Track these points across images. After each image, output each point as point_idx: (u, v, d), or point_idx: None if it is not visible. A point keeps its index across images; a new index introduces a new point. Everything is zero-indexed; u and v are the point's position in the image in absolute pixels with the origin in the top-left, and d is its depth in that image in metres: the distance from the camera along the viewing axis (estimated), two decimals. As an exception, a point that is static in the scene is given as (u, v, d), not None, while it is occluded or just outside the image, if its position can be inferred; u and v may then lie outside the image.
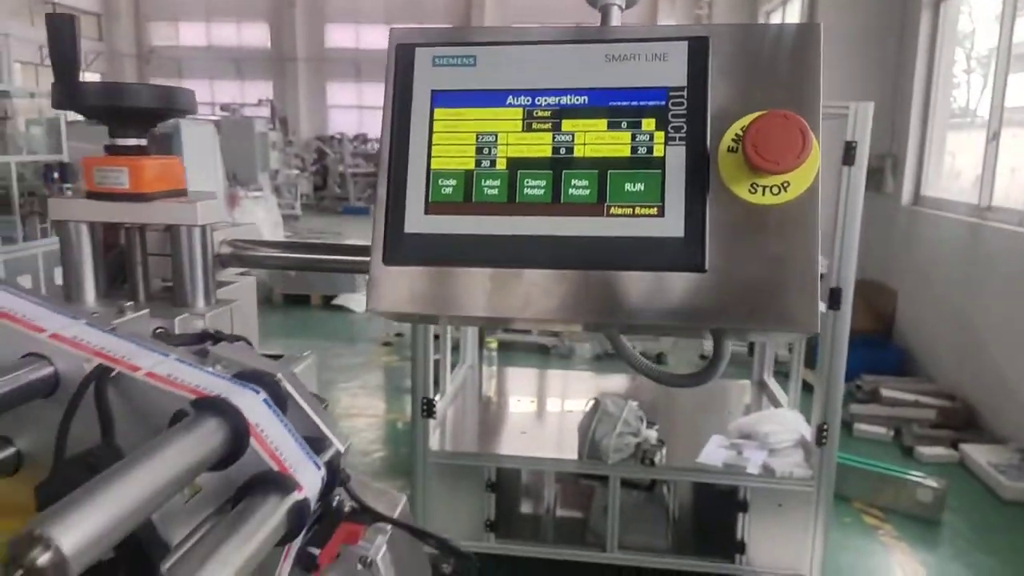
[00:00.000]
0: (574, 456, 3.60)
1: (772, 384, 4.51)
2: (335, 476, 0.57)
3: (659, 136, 0.67)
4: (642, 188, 0.66)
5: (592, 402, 3.70)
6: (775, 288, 0.64)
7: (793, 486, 3.35)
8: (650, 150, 0.66)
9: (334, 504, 0.60)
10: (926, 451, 5.00)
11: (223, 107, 17.58)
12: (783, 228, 0.64)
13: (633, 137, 0.67)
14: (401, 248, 0.69)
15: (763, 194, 0.65)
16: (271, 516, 0.51)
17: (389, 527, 0.61)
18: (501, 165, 0.68)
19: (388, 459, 5.03)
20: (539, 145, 0.68)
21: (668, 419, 4.13)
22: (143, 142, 0.95)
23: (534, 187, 0.67)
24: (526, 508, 4.07)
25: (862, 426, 5.37)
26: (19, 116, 6.51)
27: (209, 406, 0.50)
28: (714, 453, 3.62)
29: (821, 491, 3.32)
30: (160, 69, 23.24)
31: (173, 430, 0.48)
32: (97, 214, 0.94)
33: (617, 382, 4.82)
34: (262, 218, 9.73)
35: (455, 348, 4.67)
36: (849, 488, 4.51)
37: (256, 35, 23.75)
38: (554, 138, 0.67)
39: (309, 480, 0.54)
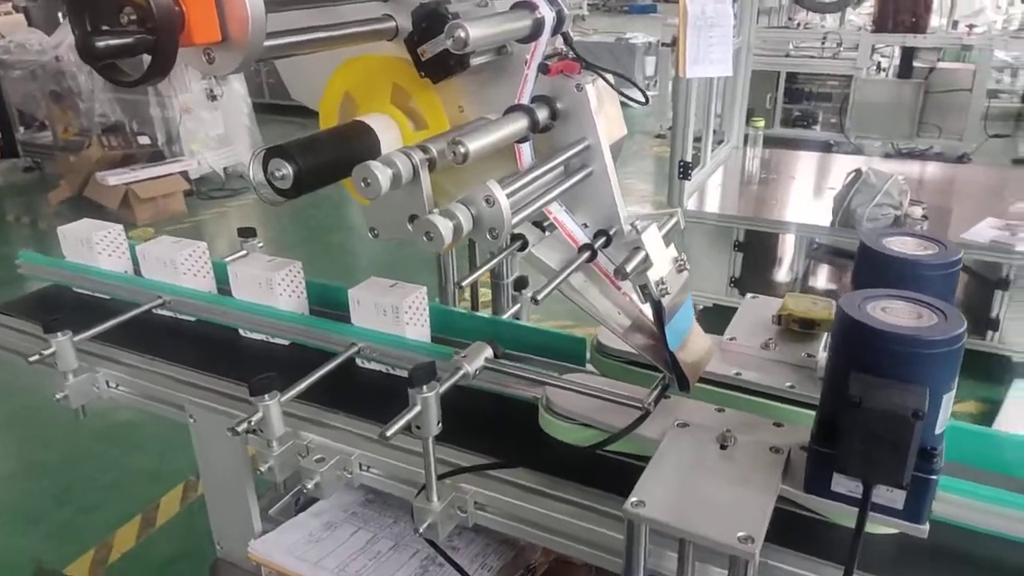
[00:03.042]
0: (826, 224, 3.72)
1: (1083, 175, 4.03)
2: (562, 21, 0.99)
3: None
4: None
5: (853, 173, 3.70)
6: None
7: (1068, 266, 3.17)
8: None
9: (562, 51, 1.03)
10: None
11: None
12: None
13: None
14: None
15: None
16: (521, 20, 0.94)
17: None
18: None
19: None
20: None
21: (942, 202, 3.98)
22: None
23: None
24: (775, 274, 4.32)
25: None
26: None
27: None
28: (983, 232, 3.49)
29: (1103, 274, 3.10)
30: None
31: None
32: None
33: (894, 167, 4.64)
34: (549, 13, 10.07)
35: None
36: None
37: None
38: None
39: (546, 11, 0.96)
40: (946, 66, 6.66)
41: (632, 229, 1.00)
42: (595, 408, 1.02)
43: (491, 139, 0.90)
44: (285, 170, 0.94)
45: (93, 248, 1.56)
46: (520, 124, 0.96)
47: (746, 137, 4.94)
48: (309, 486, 1.08)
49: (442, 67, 0.98)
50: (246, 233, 1.63)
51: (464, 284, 0.94)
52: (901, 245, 0.97)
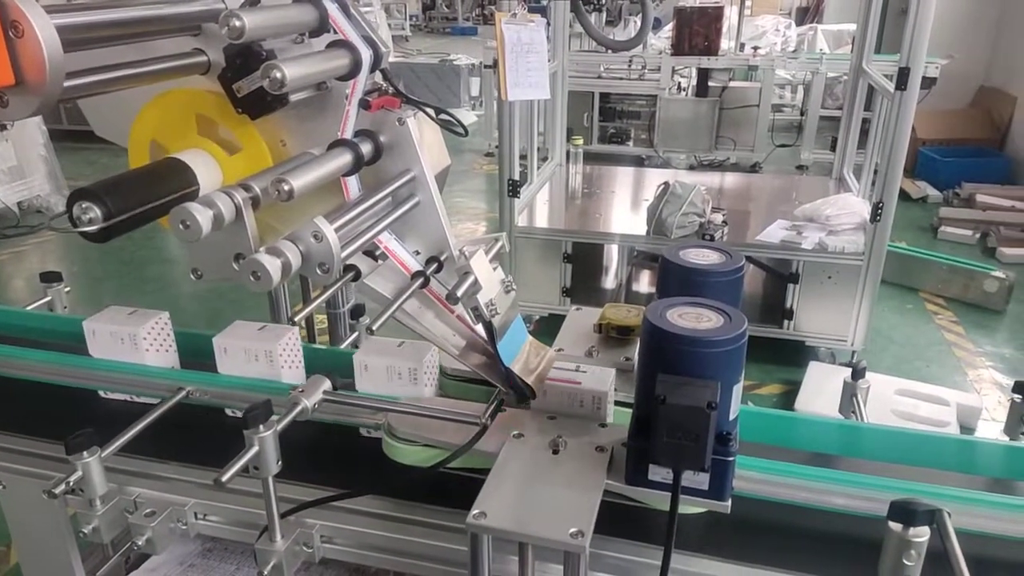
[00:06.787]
0: (643, 233, 4.02)
1: (850, 179, 4.65)
2: (379, 59, 1.02)
3: None
4: None
5: (663, 186, 4.03)
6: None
7: (844, 260, 3.64)
8: None
9: (381, 87, 1.06)
10: (1009, 251, 5.05)
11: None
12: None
13: None
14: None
15: None
16: (339, 59, 0.96)
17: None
18: None
19: (485, 247, 5.64)
20: None
21: (739, 207, 4.43)
22: None
23: None
24: (602, 282, 4.59)
25: (948, 229, 5.42)
26: None
27: None
28: (774, 232, 3.93)
29: (870, 265, 3.58)
30: None
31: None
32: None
33: (697, 178, 5.10)
34: (372, 34, 10.05)
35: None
36: (917, 279, 4.73)
37: None
38: None
39: (363, 50, 0.99)
40: (737, 85, 7.42)
41: (461, 255, 1.05)
42: (436, 428, 1.06)
43: (315, 175, 0.92)
44: (93, 213, 0.89)
45: None
46: (344, 159, 0.98)
47: (568, 154, 5.23)
48: (140, 543, 1.03)
49: (260, 104, 0.98)
50: (50, 278, 1.51)
51: (298, 319, 0.94)
52: (696, 256, 1.10)
